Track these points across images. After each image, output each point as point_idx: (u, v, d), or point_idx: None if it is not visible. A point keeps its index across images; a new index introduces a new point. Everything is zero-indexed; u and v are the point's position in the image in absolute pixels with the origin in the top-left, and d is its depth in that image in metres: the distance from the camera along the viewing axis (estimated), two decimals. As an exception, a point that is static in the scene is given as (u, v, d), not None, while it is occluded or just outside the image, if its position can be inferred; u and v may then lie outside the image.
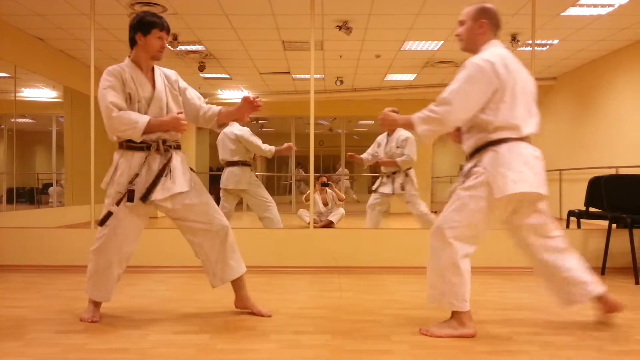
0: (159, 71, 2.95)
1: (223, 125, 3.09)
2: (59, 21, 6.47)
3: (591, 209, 4.64)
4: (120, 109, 2.72)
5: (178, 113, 2.85)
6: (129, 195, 2.76)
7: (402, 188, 5.44)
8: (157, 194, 2.79)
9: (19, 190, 7.75)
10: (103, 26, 6.48)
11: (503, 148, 2.53)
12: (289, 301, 3.39)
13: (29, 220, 7.49)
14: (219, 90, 10.87)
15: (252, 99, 2.87)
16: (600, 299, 2.76)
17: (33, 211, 8.21)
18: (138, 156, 2.81)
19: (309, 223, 5.06)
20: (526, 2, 5.51)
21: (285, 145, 5.69)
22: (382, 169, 5.66)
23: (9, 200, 7.42)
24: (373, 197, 5.68)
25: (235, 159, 5.35)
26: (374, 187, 5.71)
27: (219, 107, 3.03)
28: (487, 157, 2.55)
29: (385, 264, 4.52)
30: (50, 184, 8.85)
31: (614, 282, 4.03)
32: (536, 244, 2.76)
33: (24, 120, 8.18)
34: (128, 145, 2.81)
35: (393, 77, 9.68)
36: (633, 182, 4.57)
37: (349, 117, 12.92)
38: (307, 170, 9.34)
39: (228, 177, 5.36)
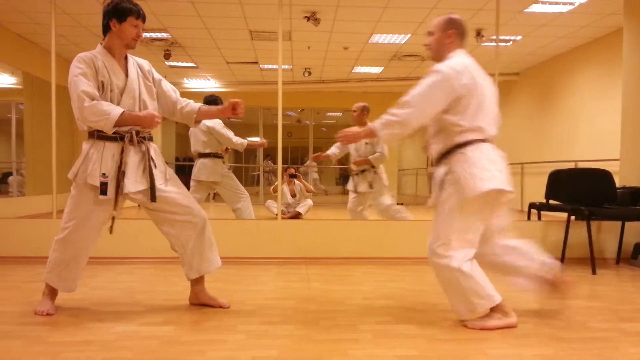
0: (132, 60, 2.87)
1: (199, 122, 3.03)
2: (18, 4, 6.25)
3: (551, 202, 4.78)
4: (92, 99, 2.63)
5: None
6: (102, 188, 2.68)
7: (371, 186, 5.46)
8: (130, 187, 2.73)
9: (-24, 179, 7.50)
10: (65, 11, 6.30)
11: (469, 149, 2.63)
12: (257, 292, 3.40)
13: (-14, 211, 7.26)
14: (185, 79, 10.72)
15: (236, 105, 2.84)
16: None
17: (-9, 201, 7.97)
18: (110, 146, 2.73)
19: (276, 214, 5.06)
20: (491, -3, 5.61)
21: (259, 141, 5.69)
22: (353, 166, 5.64)
23: (-34, 190, 7.17)
24: (351, 199, 5.64)
25: (207, 150, 5.31)
26: (350, 187, 5.63)
27: (198, 105, 2.97)
28: (456, 160, 2.65)
29: (353, 254, 4.56)
30: (10, 173, 8.58)
31: (573, 271, 4.17)
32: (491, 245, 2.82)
33: (-19, 107, 7.90)
34: (99, 135, 2.71)
35: (361, 69, 9.73)
36: (591, 176, 4.73)
37: (317, 109, 12.94)
38: (275, 162, 9.31)
39: (200, 169, 5.31)
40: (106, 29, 2.77)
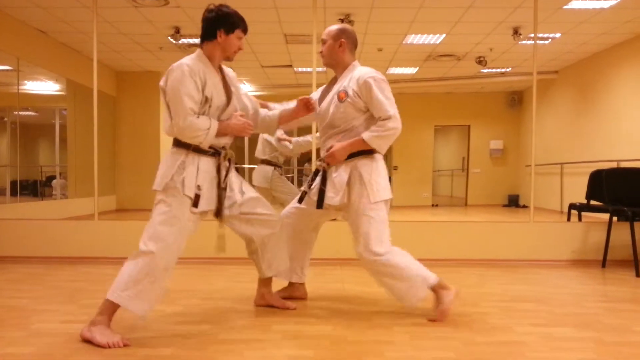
0: (226, 71, 2.81)
1: (278, 127, 3.06)
2: (61, 14, 6.48)
3: (592, 202, 4.66)
4: (195, 114, 2.52)
5: (240, 115, 2.72)
6: (195, 200, 2.55)
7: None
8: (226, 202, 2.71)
9: (22, 182, 7.77)
10: (105, 19, 6.49)
11: (377, 158, 2.87)
12: (291, 293, 3.42)
13: (32, 212, 7.54)
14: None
15: (307, 100, 2.87)
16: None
17: (37, 203, 8.26)
18: (205, 161, 2.61)
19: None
20: (529, -5, 5.50)
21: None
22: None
23: (13, 193, 7.45)
24: None
25: (262, 157, 5.51)
26: None
27: (279, 111, 2.97)
28: (363, 164, 2.82)
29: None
30: (54, 177, 8.88)
31: (615, 274, 4.05)
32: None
33: (27, 113, 8.20)
34: (196, 147, 2.58)
35: (395, 70, 9.68)
36: (634, 175, 4.58)
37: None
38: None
39: (254, 174, 5.56)
40: (210, 37, 2.65)
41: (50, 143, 8.85)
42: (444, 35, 7.46)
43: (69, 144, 8.53)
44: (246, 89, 11.02)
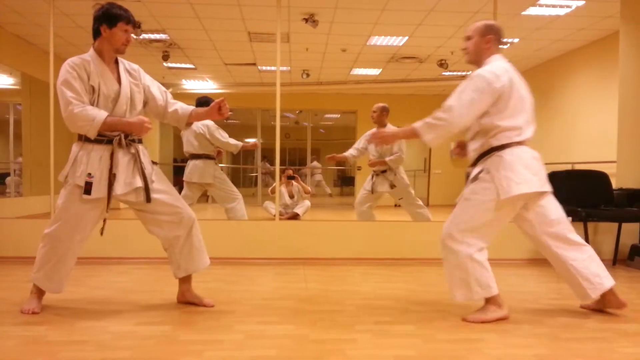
0: (123, 65, 2.90)
1: (190, 124, 3.07)
2: (16, 5, 6.24)
3: (548, 203, 4.78)
4: (80, 103, 2.68)
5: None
6: (86, 188, 2.73)
7: (392, 186, 5.48)
8: (119, 189, 2.78)
9: (-26, 180, 7.48)
10: (63, 11, 6.30)
11: (506, 153, 2.74)
12: (254, 292, 3.40)
13: (-16, 211, 7.24)
14: (183, 80, 10.71)
15: (221, 105, 2.86)
16: (607, 295, 2.86)
17: (-11, 201, 7.95)
18: (99, 149, 2.77)
19: (274, 215, 5.06)
20: (487, 0, 5.62)
21: (252, 142, 5.70)
22: (371, 167, 5.65)
23: (-37, 190, 7.15)
24: (361, 194, 5.66)
25: (199, 152, 5.31)
26: (367, 188, 5.58)
27: (190, 108, 2.99)
28: (492, 161, 2.76)
29: (350, 255, 4.57)
30: (8, 174, 8.56)
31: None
32: (544, 238, 2.87)
33: (-22, 107, 7.89)
34: (86, 138, 2.77)
35: (359, 71, 9.73)
36: (588, 177, 4.75)
37: (315, 110, 12.93)
38: (272, 163, 9.30)
39: (192, 170, 5.31)
40: (96, 34, 2.80)
41: (4, 139, 8.53)
42: (406, 37, 7.55)
43: (24, 140, 8.23)
44: (209, 87, 10.93)
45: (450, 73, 9.73)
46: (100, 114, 2.69)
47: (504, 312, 2.79)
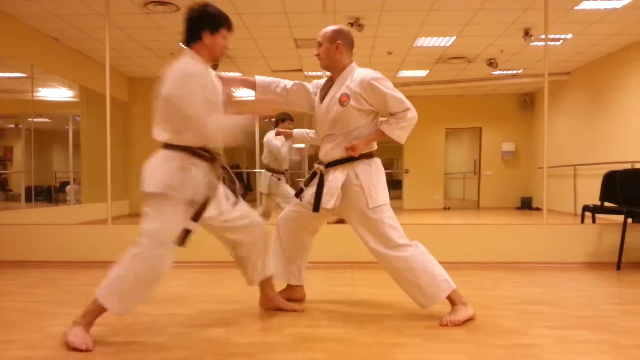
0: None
1: None
2: (74, 21, 6.56)
3: (606, 204, 4.61)
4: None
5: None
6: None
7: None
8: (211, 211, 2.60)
9: (37, 188, 7.87)
10: (118, 25, 6.56)
11: (375, 161, 2.90)
12: (303, 296, 3.42)
13: (47, 218, 7.61)
14: (232, 88, 10.93)
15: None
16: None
17: (51, 209, 8.33)
18: (203, 166, 2.54)
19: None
20: (539, -4, 5.48)
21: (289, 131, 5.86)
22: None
23: (28, 198, 7.54)
24: None
25: (265, 163, 5.65)
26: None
27: None
28: (361, 168, 2.84)
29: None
30: (68, 182, 8.97)
31: (630, 277, 4.00)
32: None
33: (41, 119, 8.30)
34: (194, 152, 2.52)
35: (405, 73, 9.66)
36: (649, 177, 4.54)
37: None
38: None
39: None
40: (194, 38, 2.53)
41: (64, 149, 8.95)
42: (454, 37, 7.44)
43: (82, 149, 8.62)
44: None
45: (500, 72, 9.51)
46: (236, 116, 2.59)
47: (470, 308, 2.80)
